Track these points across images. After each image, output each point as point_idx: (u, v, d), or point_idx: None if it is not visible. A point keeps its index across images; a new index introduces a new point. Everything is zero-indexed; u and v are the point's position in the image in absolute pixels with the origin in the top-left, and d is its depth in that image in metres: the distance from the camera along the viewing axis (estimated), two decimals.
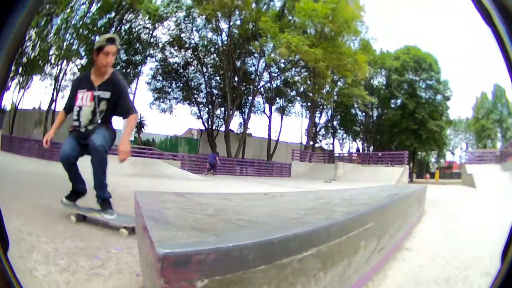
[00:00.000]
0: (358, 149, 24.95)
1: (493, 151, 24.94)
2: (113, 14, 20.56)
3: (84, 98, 2.49)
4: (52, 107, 19.25)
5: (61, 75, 19.61)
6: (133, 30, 22.57)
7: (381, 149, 20.99)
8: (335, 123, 24.49)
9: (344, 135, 25.35)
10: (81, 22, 19.43)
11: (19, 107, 19.49)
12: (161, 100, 21.74)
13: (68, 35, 19.36)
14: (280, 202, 1.58)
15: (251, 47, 17.99)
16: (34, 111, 19.53)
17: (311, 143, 22.21)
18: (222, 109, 20.63)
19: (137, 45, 22.98)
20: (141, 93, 35.26)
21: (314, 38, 18.26)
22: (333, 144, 24.76)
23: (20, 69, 18.62)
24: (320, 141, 24.59)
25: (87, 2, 19.18)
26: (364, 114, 23.96)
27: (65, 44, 19.53)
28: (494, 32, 0.63)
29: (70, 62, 20.22)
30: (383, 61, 21.34)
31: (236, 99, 18.81)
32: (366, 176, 15.19)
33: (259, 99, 21.08)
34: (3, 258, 0.64)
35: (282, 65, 20.16)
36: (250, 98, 20.41)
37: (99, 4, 19.62)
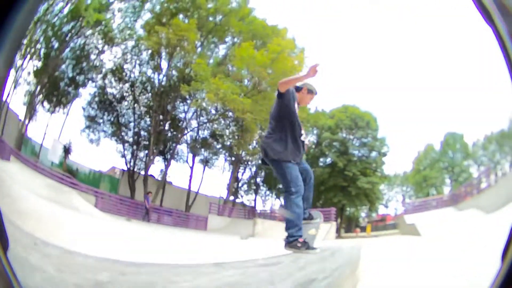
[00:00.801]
0: (281, 206, 23.98)
1: (439, 197, 25.51)
2: (77, 23, 19.69)
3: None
4: (8, 100, 18.08)
5: (20, 69, 18.37)
6: (86, 47, 22.06)
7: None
8: (258, 179, 23.95)
9: (267, 192, 24.71)
10: (52, 20, 18.81)
11: None
12: (91, 130, 20.66)
13: (39, 30, 18.50)
14: None
15: (182, 90, 17.35)
16: None
17: (232, 198, 21.68)
18: (146, 151, 19.83)
19: (84, 64, 22.42)
20: (74, 117, 32.18)
21: (248, 88, 17.73)
22: (255, 200, 24.08)
23: None
24: (242, 196, 24.00)
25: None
26: None
27: (34, 37, 18.53)
28: (495, 32, 0.64)
29: (31, 60, 19.11)
30: (316, 120, 21.31)
31: (159, 143, 18.13)
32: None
33: (183, 148, 20.61)
34: (3, 258, 0.64)
35: (213, 113, 19.41)
36: (175, 145, 19.64)
37: (72, 7, 18.95)
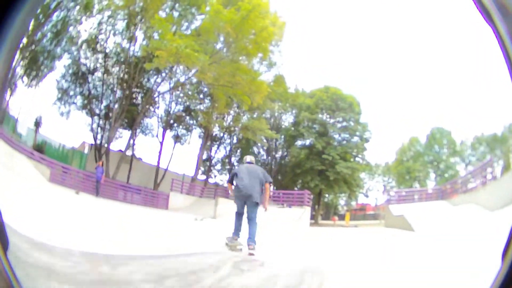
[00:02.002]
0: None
1: (423, 189, 24.41)
2: None
3: None
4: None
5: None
6: (66, 19, 21.32)
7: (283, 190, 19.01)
8: (233, 159, 22.01)
9: None
10: None
11: None
12: (62, 103, 19.13)
13: None
14: None
15: (141, 51, 15.80)
16: None
17: (205, 177, 20.24)
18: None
19: (61, 36, 21.56)
20: (47, 90, 29.35)
21: (211, 49, 15.75)
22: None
23: None
24: (215, 176, 22.12)
25: None
26: (267, 153, 21.65)
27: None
28: (495, 32, 0.63)
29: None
30: (295, 98, 19.71)
31: (124, 114, 16.63)
32: None
33: (153, 122, 19.06)
34: (3, 258, 0.63)
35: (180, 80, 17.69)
36: (145, 118, 18.24)
37: None
